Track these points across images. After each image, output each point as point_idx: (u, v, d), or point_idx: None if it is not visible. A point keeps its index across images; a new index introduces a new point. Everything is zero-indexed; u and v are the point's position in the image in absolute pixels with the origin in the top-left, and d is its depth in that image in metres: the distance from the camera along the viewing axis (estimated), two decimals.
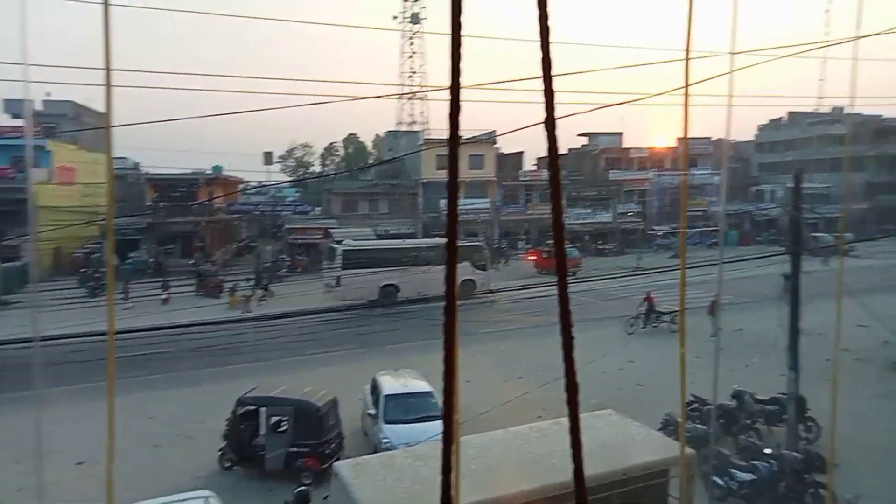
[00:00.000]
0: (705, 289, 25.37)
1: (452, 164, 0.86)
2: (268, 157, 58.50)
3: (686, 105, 3.51)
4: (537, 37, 0.87)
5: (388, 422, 13.15)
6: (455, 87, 0.81)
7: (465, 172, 49.38)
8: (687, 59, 3.18)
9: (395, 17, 67.68)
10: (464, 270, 29.85)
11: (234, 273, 37.50)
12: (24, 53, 4.21)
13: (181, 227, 43.36)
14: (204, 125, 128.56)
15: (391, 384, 14.30)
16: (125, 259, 38.80)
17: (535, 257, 41.30)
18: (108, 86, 3.56)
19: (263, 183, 55.03)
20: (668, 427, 12.96)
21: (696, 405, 13.95)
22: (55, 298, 29.77)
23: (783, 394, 13.35)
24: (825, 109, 66.30)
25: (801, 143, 67.36)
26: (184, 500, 9.66)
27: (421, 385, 14.43)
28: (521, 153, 58.75)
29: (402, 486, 7.09)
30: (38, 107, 48.18)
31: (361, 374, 16.44)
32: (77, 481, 11.76)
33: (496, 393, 15.27)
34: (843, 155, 58.07)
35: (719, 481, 11.01)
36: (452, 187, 0.86)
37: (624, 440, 8.70)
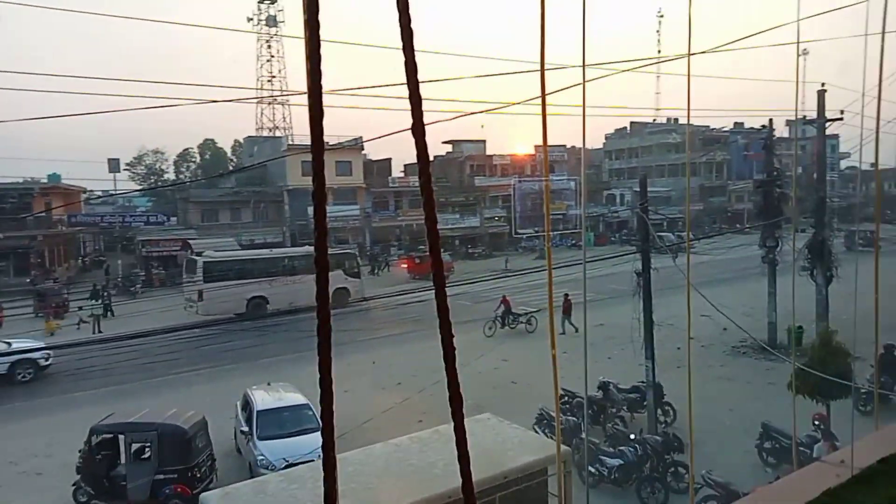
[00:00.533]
0: (568, 287, 26.85)
1: (318, 170, 0.82)
2: (113, 164, 54.27)
3: (544, 114, 3.70)
4: (399, 43, 0.86)
5: (261, 438, 12.56)
6: (316, 92, 0.78)
7: (333, 179, 48.70)
8: (542, 70, 3.36)
9: (249, 20, 65.52)
10: (336, 279, 29.38)
11: (81, 290, 34.14)
12: None
13: (13, 241, 38.85)
14: (39, 130, 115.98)
15: (263, 399, 13.75)
16: None
17: (406, 264, 41.65)
18: None
19: (110, 192, 50.83)
20: (543, 420, 13.58)
21: (566, 398, 14.72)
22: None
23: (642, 382, 14.47)
24: (661, 120, 73.06)
25: (643, 150, 73.78)
26: None
27: (296, 398, 13.94)
28: (389, 160, 59.08)
29: None
30: None
31: (232, 391, 15.65)
32: None
33: (376, 401, 15.17)
34: (679, 161, 64.26)
35: (591, 469, 11.71)
36: (319, 194, 0.83)
37: (503, 443, 8.89)
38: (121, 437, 12.08)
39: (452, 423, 0.96)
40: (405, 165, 62.93)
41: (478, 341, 22.03)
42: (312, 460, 10.58)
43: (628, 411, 14.83)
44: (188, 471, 11.77)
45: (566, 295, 23.43)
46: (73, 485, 11.80)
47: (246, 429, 13.05)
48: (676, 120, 68.77)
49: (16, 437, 14.97)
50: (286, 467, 10.86)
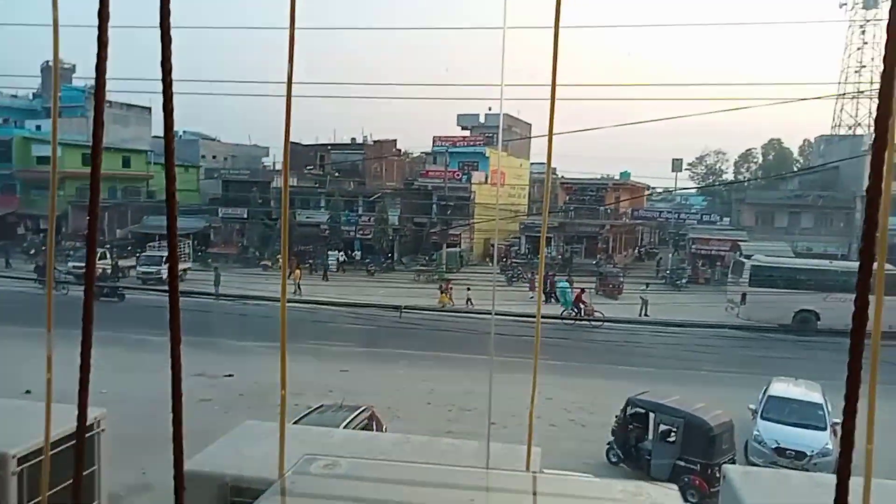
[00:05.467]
0: None
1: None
2: (676, 164, 57.42)
3: None
4: None
5: (763, 418, 13.38)
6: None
7: None
8: None
9: (842, 5, 58.77)
10: None
11: (634, 277, 37.91)
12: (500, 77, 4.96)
13: (588, 228, 45.88)
14: (614, 133, 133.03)
15: (783, 388, 14.40)
16: (536, 254, 42.97)
17: None
18: (553, 99, 3.92)
19: (669, 189, 54.32)
20: None
21: None
22: (483, 281, 34.74)
23: None
24: None
25: None
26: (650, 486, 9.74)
27: (812, 396, 13.82)
28: None
29: None
30: (482, 119, 56.89)
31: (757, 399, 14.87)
32: None
33: None
34: None
35: None
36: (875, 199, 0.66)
37: None
38: (651, 414, 13.02)
39: None
40: None
41: None
42: (806, 453, 12.23)
43: None
44: (709, 467, 11.83)
45: None
46: (608, 444, 13.39)
47: (753, 407, 13.88)
48: None
49: (571, 390, 17.83)
50: (776, 449, 12.56)
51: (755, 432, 13.12)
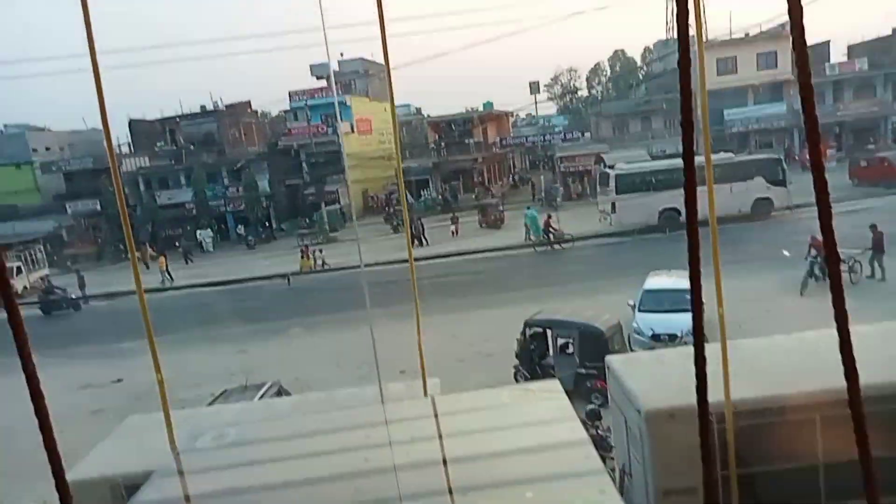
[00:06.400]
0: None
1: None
2: (534, 87, 58.83)
3: None
4: None
5: (641, 311, 14.58)
6: None
7: (754, 74, 43.68)
8: None
9: None
10: (758, 188, 26.82)
11: (513, 204, 39.12)
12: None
13: (462, 164, 46.42)
14: (467, 62, 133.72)
15: (656, 281, 15.58)
16: (418, 198, 43.06)
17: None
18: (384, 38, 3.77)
19: (532, 114, 55.81)
20: None
21: None
22: (367, 233, 34.48)
23: None
24: None
25: None
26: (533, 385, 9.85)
27: (682, 283, 14.61)
28: (827, 42, 49.69)
29: (672, 379, 6.82)
30: (335, 67, 54.91)
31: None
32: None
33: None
34: None
35: None
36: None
37: None
38: (548, 331, 13.70)
39: None
40: (848, 47, 52.20)
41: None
42: (676, 334, 13.22)
43: None
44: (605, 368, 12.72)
45: (874, 227, 17.33)
46: (514, 367, 13.97)
47: (632, 303, 15.13)
48: None
49: (476, 323, 18.28)
50: (652, 336, 13.59)
51: (633, 325, 14.31)
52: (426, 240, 31.91)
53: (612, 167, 30.79)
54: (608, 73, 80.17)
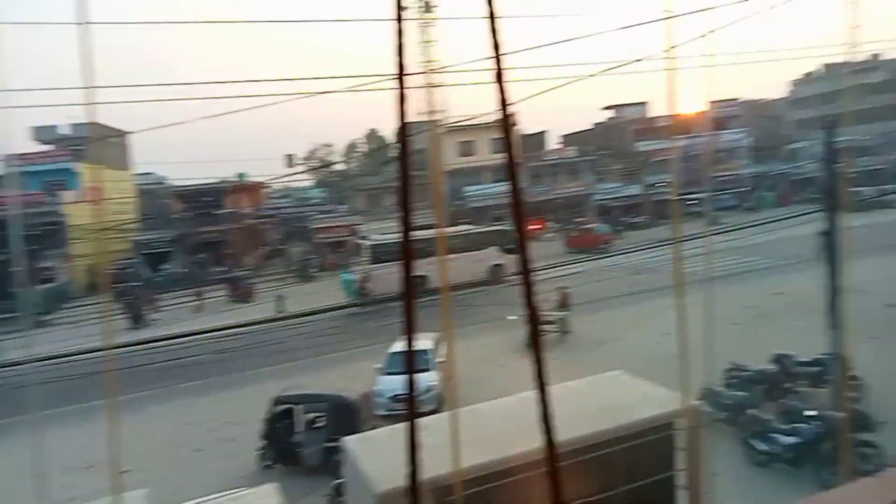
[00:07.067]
0: (742, 254, 24.61)
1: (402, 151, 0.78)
2: (289, 160, 58.94)
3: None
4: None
5: (386, 374, 15.08)
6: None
7: (489, 156, 48.98)
8: (669, 18, 2.94)
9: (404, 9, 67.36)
10: (491, 256, 29.67)
11: (266, 276, 37.92)
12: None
13: (210, 235, 44.04)
14: (224, 135, 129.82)
15: (399, 345, 15.80)
16: (157, 271, 39.58)
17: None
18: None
19: (283, 184, 55.45)
20: (708, 397, 12.65)
21: (735, 372, 13.59)
22: (92, 314, 30.45)
23: (826, 354, 12.89)
24: (861, 57, 63.12)
25: (836, 94, 64.54)
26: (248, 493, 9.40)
27: (422, 344, 15.39)
28: (543, 133, 58.08)
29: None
30: (66, 131, 49.19)
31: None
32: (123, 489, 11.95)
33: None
34: (882, 104, 55.71)
35: (762, 446, 10.71)
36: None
37: (629, 398, 8.47)
38: (296, 407, 13.25)
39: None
40: (562, 136, 61.62)
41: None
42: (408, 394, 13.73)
43: (809, 386, 13.33)
44: None
45: (561, 289, 20.77)
46: (259, 450, 13.15)
47: (379, 366, 15.56)
48: (879, 56, 58.87)
49: (215, 407, 16.96)
50: (392, 398, 14.16)
51: (376, 388, 14.58)
52: (147, 319, 29.60)
53: (365, 237, 31.73)
54: (365, 149, 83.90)
